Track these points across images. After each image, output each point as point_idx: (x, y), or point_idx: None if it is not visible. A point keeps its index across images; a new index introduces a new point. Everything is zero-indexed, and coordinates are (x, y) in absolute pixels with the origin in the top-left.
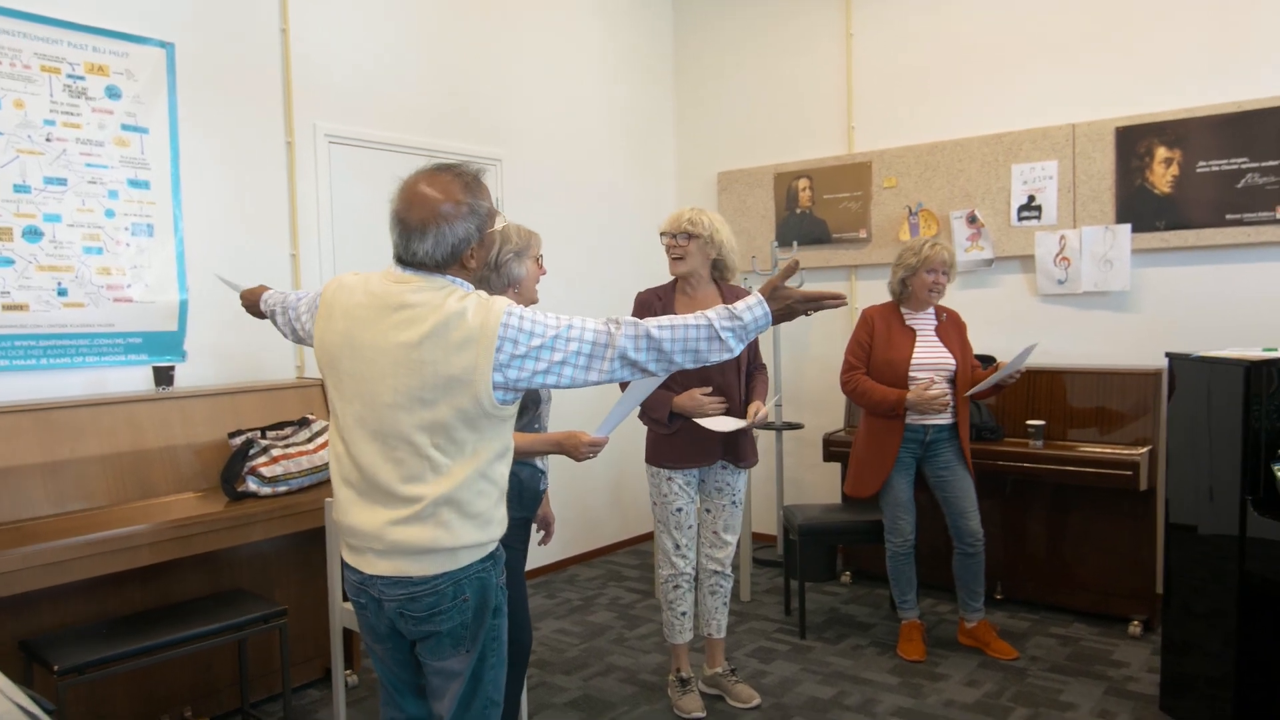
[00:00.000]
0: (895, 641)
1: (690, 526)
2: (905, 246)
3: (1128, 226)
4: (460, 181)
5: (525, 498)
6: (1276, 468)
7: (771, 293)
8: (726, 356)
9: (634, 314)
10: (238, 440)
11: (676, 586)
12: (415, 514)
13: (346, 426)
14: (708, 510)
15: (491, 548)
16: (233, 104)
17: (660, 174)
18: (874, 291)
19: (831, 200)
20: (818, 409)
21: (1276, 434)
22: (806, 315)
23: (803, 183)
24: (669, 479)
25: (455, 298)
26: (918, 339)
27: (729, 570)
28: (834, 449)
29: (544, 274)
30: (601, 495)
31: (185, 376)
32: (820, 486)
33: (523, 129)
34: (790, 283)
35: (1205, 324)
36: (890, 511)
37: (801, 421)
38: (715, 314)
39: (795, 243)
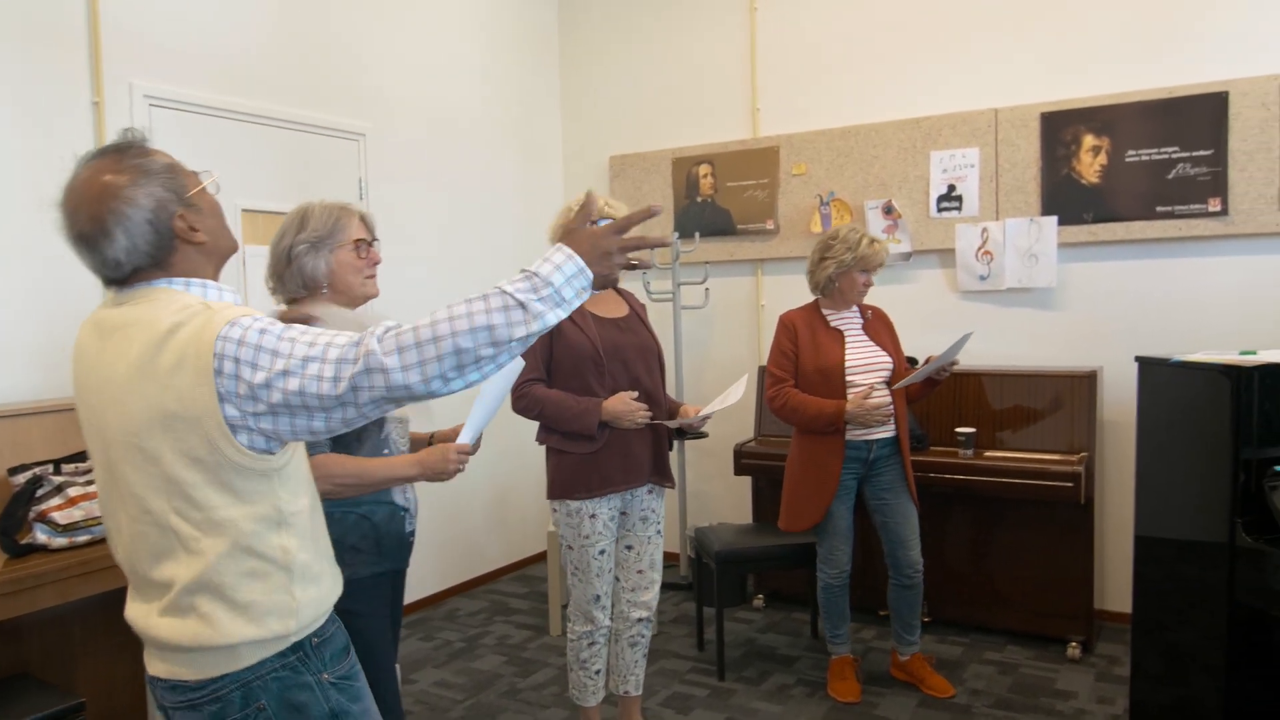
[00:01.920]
0: (825, 679)
1: (610, 570)
2: (836, 239)
3: (1054, 219)
4: (107, 155)
5: (385, 547)
6: (1270, 487)
7: (566, 236)
8: (539, 329)
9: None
10: (21, 478)
11: (593, 643)
12: (171, 604)
13: (100, 498)
14: (629, 546)
15: (291, 640)
16: (20, 56)
17: (546, 156)
18: (782, 287)
19: (736, 188)
20: (723, 417)
21: (1268, 447)
22: (634, 268)
23: (704, 169)
24: (591, 516)
25: (173, 309)
26: (847, 340)
27: (654, 616)
28: (746, 461)
29: (373, 263)
30: (480, 515)
31: None
32: (725, 501)
33: (390, 101)
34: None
35: (1136, 323)
36: (828, 541)
37: (705, 431)
38: (507, 281)
39: (697, 234)
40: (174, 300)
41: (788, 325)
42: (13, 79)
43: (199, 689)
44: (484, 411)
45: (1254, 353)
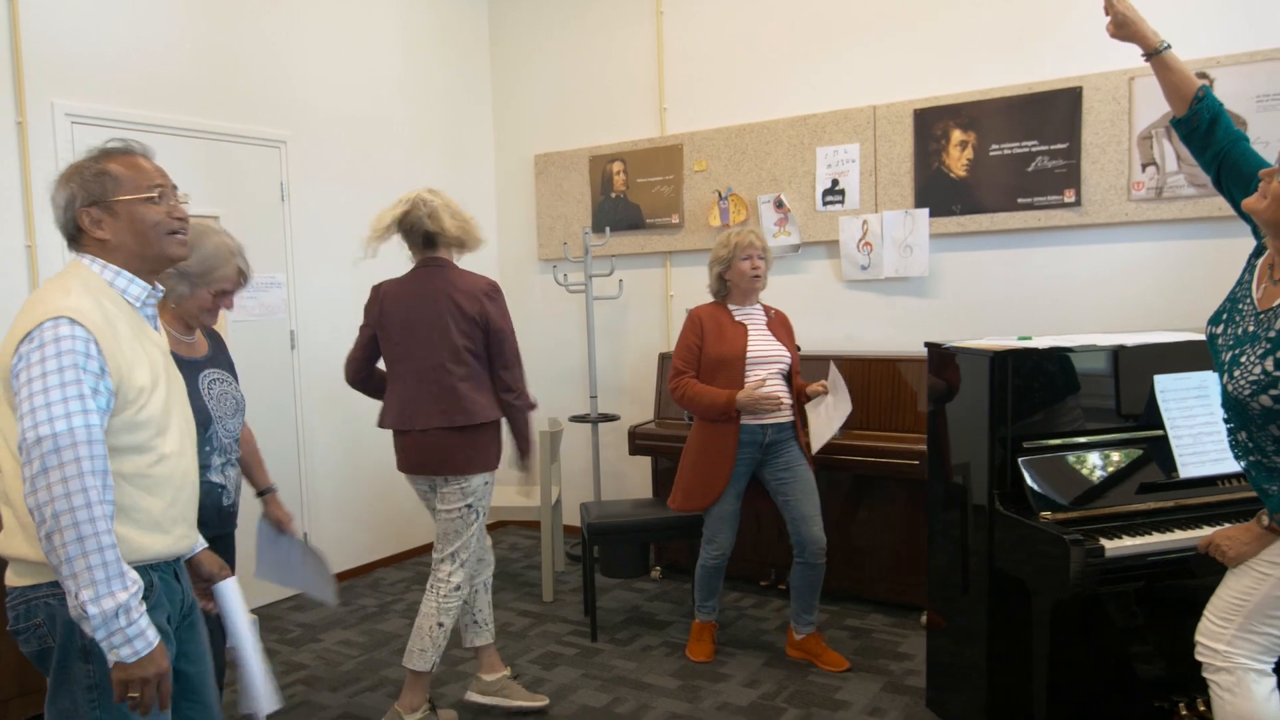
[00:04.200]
0: (687, 638)
1: None
2: (716, 241)
3: (926, 211)
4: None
5: (202, 518)
6: (1024, 460)
7: (161, 659)
8: (72, 604)
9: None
10: None
11: None
12: None
13: None
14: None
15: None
16: None
17: (477, 158)
18: (688, 278)
19: (645, 184)
20: (634, 399)
21: (1024, 425)
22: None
23: (617, 166)
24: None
25: (54, 284)
26: (750, 332)
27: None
28: (640, 443)
29: (223, 309)
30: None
31: None
32: (642, 480)
33: (311, 107)
34: None
35: (1001, 309)
36: (712, 524)
37: (618, 413)
38: (133, 598)
39: (607, 229)
40: (69, 274)
41: (694, 320)
42: None
43: (10, 594)
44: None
45: (1029, 339)
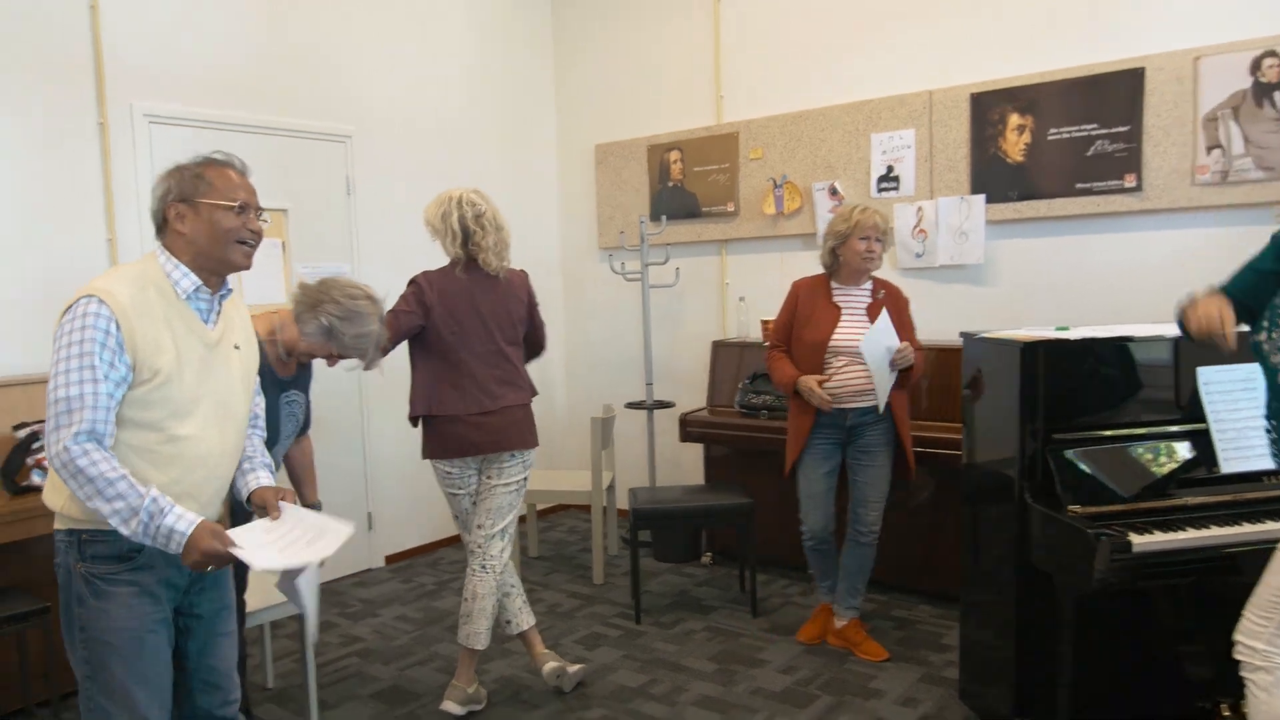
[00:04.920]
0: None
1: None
2: (836, 214)
3: (982, 197)
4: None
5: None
6: (1054, 453)
7: (207, 533)
8: (123, 533)
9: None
10: (21, 433)
11: None
12: None
13: None
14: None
15: (70, 525)
16: (35, 85)
17: (539, 148)
18: (743, 266)
19: (701, 173)
20: (689, 387)
21: (1055, 417)
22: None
23: (674, 155)
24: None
25: (110, 270)
26: (843, 317)
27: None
28: (692, 430)
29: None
30: None
31: None
32: (695, 466)
33: (375, 102)
34: None
35: (1058, 297)
36: (803, 502)
37: (672, 400)
38: (155, 499)
39: (664, 218)
40: (136, 261)
41: (792, 295)
42: (28, 107)
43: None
44: (292, 557)
45: (1066, 329)
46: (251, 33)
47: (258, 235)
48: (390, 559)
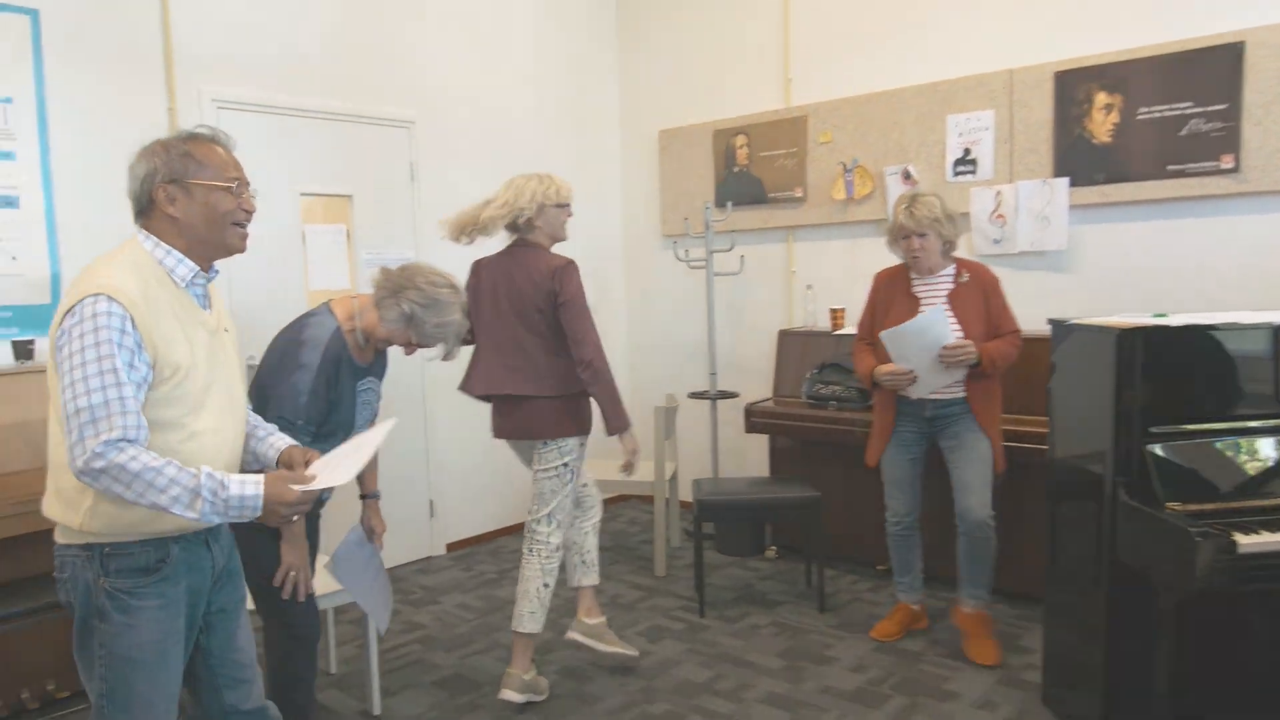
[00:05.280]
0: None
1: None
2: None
3: (1065, 180)
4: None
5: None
6: (1152, 447)
7: (273, 482)
8: (189, 518)
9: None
10: None
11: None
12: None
13: None
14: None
15: (85, 540)
16: (107, 71)
17: (603, 134)
18: (811, 254)
19: (768, 158)
20: (754, 377)
21: (1152, 409)
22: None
23: (740, 139)
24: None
25: (97, 263)
26: (921, 307)
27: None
28: (757, 420)
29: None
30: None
31: None
32: (759, 458)
33: (438, 88)
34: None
35: (1146, 285)
36: (886, 488)
37: (737, 390)
38: (211, 475)
39: (729, 204)
40: (121, 251)
41: (875, 287)
42: (99, 94)
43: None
44: (354, 464)
45: (1165, 316)
46: (319, 19)
47: (252, 213)
48: (451, 546)
